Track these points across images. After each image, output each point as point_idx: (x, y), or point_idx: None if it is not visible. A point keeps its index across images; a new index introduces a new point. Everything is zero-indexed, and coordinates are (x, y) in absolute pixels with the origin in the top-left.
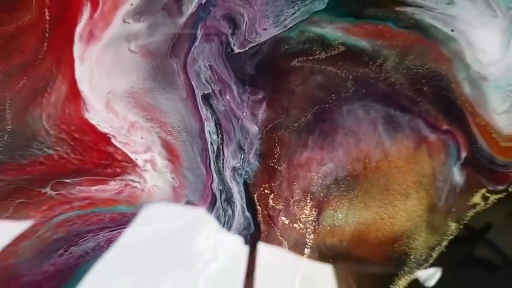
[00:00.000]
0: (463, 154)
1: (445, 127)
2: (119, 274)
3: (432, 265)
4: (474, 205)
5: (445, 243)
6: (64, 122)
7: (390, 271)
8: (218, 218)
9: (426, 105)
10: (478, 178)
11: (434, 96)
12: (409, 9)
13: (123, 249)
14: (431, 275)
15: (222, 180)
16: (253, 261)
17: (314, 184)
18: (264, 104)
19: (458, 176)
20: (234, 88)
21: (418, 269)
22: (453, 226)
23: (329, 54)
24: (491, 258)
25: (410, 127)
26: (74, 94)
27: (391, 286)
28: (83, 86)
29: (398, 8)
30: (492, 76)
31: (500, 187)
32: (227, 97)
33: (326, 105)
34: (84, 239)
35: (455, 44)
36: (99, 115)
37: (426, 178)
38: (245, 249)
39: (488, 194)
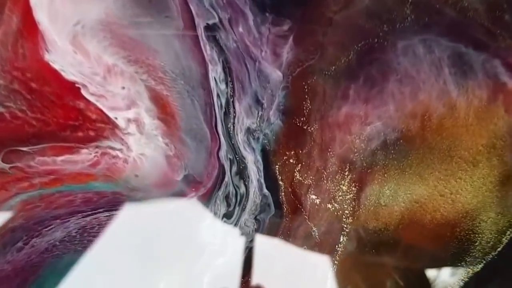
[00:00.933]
0: None
1: None
2: (106, 272)
3: (500, 255)
4: None
5: None
6: (17, 68)
7: (449, 262)
8: (227, 197)
9: (507, 40)
10: None
11: None
12: None
13: (108, 240)
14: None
15: (233, 147)
16: (272, 255)
17: (355, 150)
18: (290, 40)
19: None
20: (250, 16)
21: (484, 259)
22: None
23: None
24: None
25: (485, 70)
26: (29, 28)
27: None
28: (41, 15)
29: None
30: None
31: None
32: (240, 29)
33: (376, 40)
34: (50, 227)
35: None
36: (63, 56)
37: (501, 140)
38: (262, 239)
39: None
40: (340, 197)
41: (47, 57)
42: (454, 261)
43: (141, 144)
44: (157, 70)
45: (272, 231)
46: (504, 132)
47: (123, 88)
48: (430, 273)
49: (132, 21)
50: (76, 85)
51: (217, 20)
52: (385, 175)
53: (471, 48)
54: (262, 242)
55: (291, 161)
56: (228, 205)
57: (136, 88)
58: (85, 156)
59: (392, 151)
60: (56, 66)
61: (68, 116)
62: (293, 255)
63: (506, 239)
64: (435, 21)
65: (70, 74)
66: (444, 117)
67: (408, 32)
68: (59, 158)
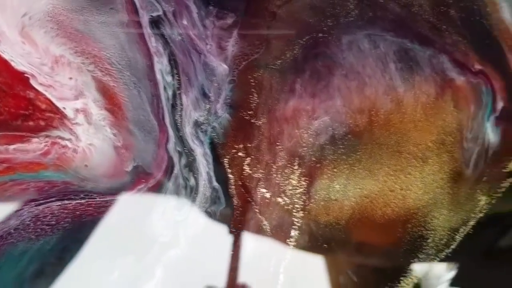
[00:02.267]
0: (500, 104)
1: (477, 66)
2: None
3: (454, 252)
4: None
5: (472, 223)
6: None
7: (401, 258)
8: (177, 189)
9: (453, 35)
10: None
11: (464, 24)
12: None
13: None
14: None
15: (181, 139)
16: (223, 246)
17: (304, 144)
18: (235, 33)
19: (492, 134)
20: (194, 9)
21: (437, 256)
22: (483, 201)
23: None
24: None
25: (432, 66)
26: None
27: (401, 278)
28: None
29: None
30: None
31: None
32: (184, 22)
33: (320, 34)
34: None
35: None
36: (12, 47)
37: (450, 136)
38: (213, 231)
39: None
40: (290, 191)
41: None
42: (407, 257)
43: (90, 134)
44: (103, 62)
45: (223, 224)
46: (454, 128)
47: (71, 78)
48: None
49: (78, 13)
50: (26, 75)
51: (161, 12)
52: (335, 170)
53: (417, 43)
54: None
55: (240, 154)
56: (178, 197)
57: (83, 79)
58: (36, 145)
59: (341, 146)
60: (6, 56)
61: (19, 106)
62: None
63: (459, 236)
64: (380, 16)
65: (19, 64)
66: (391, 112)
67: (352, 27)
68: (11, 147)
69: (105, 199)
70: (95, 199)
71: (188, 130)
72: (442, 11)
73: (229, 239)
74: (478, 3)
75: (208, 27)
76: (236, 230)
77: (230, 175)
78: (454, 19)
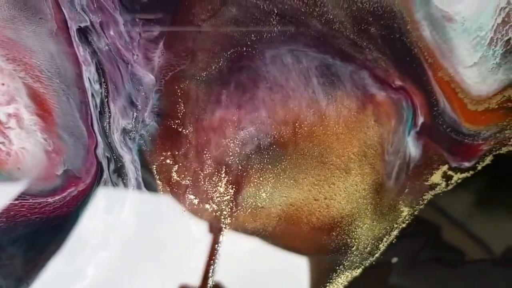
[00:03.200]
0: (420, 120)
1: (398, 82)
2: None
3: (378, 260)
4: (433, 186)
5: (395, 233)
6: None
7: (326, 265)
8: (106, 194)
9: (373, 52)
10: (438, 151)
11: (384, 41)
12: None
13: None
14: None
15: (109, 145)
16: (154, 248)
17: (230, 153)
18: (161, 44)
19: (413, 148)
20: (120, 20)
21: (362, 264)
22: (405, 212)
23: None
24: (451, 254)
25: (353, 81)
26: None
27: (327, 284)
28: None
29: None
30: (459, 16)
31: (467, 164)
32: (111, 32)
33: (244, 48)
34: None
35: None
36: None
37: (372, 149)
38: (142, 234)
39: (451, 173)
40: (218, 198)
41: None
42: (332, 264)
43: (22, 138)
44: (33, 69)
45: (153, 227)
46: (375, 142)
47: (3, 84)
48: (310, 276)
49: (9, 22)
50: None
51: (88, 23)
52: (261, 178)
53: (338, 59)
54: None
55: (168, 161)
56: (108, 201)
57: (15, 85)
58: None
59: (266, 156)
60: None
61: None
62: (170, 250)
63: (383, 245)
64: (302, 32)
65: None
66: (314, 125)
67: (275, 42)
68: None
69: (38, 201)
70: (28, 201)
71: (116, 137)
72: (362, 29)
73: (159, 241)
74: (398, 21)
75: (135, 38)
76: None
77: (158, 182)
78: (375, 36)
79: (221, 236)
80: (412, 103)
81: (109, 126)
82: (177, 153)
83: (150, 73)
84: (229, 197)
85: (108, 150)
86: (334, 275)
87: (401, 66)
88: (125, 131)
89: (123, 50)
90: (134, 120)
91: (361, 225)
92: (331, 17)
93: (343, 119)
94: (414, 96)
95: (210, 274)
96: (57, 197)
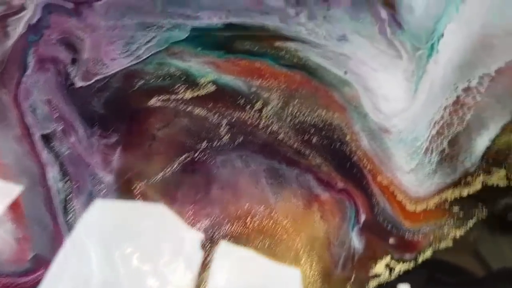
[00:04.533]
0: (363, 217)
1: (340, 185)
2: None
3: None
4: (377, 276)
5: None
6: None
7: None
8: (73, 276)
9: (316, 159)
10: (381, 244)
11: (326, 149)
12: (291, 45)
13: None
14: None
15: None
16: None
17: (187, 244)
18: (118, 150)
19: (357, 242)
20: (80, 128)
21: None
22: None
23: (196, 94)
24: None
25: (299, 182)
26: None
27: None
28: None
29: (278, 43)
30: (395, 128)
31: (408, 256)
32: (72, 139)
33: (196, 154)
34: None
35: (349, 89)
36: None
37: (319, 242)
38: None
39: (393, 263)
40: (176, 283)
41: None
42: None
43: None
44: (3, 166)
45: None
46: (322, 235)
47: None
48: None
49: None
50: None
51: (51, 130)
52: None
53: (284, 164)
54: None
55: (128, 250)
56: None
57: None
58: None
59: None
60: None
61: None
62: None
63: None
64: (249, 140)
65: None
66: (265, 220)
67: (225, 149)
68: None
69: (10, 280)
70: (2, 279)
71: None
72: (305, 139)
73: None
74: (338, 133)
75: (94, 144)
76: None
77: (121, 268)
78: (317, 145)
79: None
80: (354, 203)
81: (74, 219)
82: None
83: (109, 174)
84: (187, 281)
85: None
86: None
87: (343, 171)
88: None
89: (84, 154)
90: None
91: None
92: (276, 128)
93: (291, 215)
94: (356, 197)
95: None
96: (28, 278)
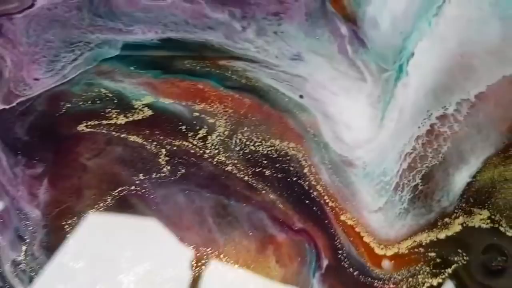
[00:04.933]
0: (325, 262)
1: (298, 224)
2: None
3: None
4: None
5: None
6: None
7: None
8: None
9: (270, 194)
10: None
11: (281, 183)
12: (238, 64)
13: None
14: None
15: (1, 275)
16: None
17: (124, 285)
18: (45, 182)
19: None
20: (3, 157)
21: None
22: None
23: (131, 119)
24: None
25: (251, 221)
26: None
27: None
28: None
29: (223, 62)
30: (360, 161)
31: None
32: None
33: (133, 187)
34: None
35: (307, 115)
36: None
37: None
38: None
39: None
40: None
41: None
42: None
43: None
44: None
45: None
46: (278, 283)
47: None
48: None
49: None
50: None
51: None
52: None
53: (234, 200)
54: None
55: None
56: None
57: None
58: None
59: None
60: None
61: None
62: None
63: None
64: (193, 173)
65: None
66: (212, 264)
67: (166, 182)
68: None
69: None
70: None
71: (7, 268)
72: (257, 171)
73: None
74: (294, 165)
75: (18, 175)
76: None
77: None
78: (271, 179)
79: None
80: (315, 246)
81: (0, 257)
82: (69, 286)
83: (36, 208)
84: None
85: (0, 279)
86: None
87: (301, 208)
88: (15, 263)
89: (8, 185)
90: (23, 253)
91: None
92: (223, 159)
93: (242, 259)
94: (317, 238)
95: None
96: None
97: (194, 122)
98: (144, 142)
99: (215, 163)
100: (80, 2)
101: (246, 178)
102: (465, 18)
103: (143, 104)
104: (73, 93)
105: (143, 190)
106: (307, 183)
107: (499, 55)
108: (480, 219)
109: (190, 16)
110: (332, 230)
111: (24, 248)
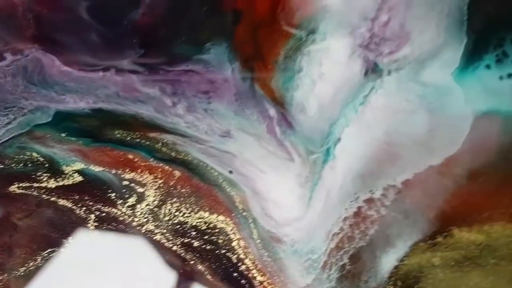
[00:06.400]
0: None
1: None
2: None
3: None
4: None
5: None
6: None
7: None
8: None
9: (198, 265)
10: None
11: (210, 255)
12: (168, 137)
13: None
14: None
15: None
16: None
17: None
18: None
19: None
20: None
21: None
22: None
23: (61, 183)
24: None
25: None
26: None
27: None
28: None
29: (154, 134)
30: (288, 238)
31: None
32: None
33: (62, 249)
34: None
35: (236, 190)
36: None
37: None
38: None
39: None
40: None
41: None
42: None
43: None
44: None
45: None
46: None
47: None
48: None
49: None
50: None
51: None
52: None
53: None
54: None
55: None
56: None
57: None
58: None
59: None
60: None
61: None
62: None
63: None
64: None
65: None
66: None
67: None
68: None
69: None
70: None
71: None
72: (185, 242)
73: None
74: (223, 238)
75: None
76: None
77: None
78: (199, 250)
79: None
80: None
81: None
82: None
83: None
84: None
85: None
86: None
87: (229, 281)
88: None
89: None
90: None
91: None
92: (152, 227)
93: None
94: None
95: None
96: None
97: (124, 190)
98: (73, 207)
99: (143, 231)
100: (15, 69)
101: (174, 248)
102: (392, 109)
103: (73, 170)
104: (5, 155)
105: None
106: (235, 256)
107: (425, 145)
108: None
109: (121, 89)
110: None
111: None
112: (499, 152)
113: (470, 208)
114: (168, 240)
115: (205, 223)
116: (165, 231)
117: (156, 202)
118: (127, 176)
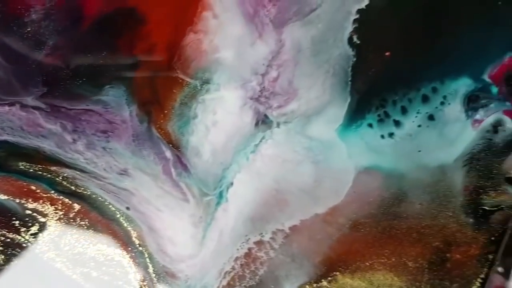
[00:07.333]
0: None
1: None
2: None
3: None
4: None
5: None
6: None
7: None
8: None
9: None
10: None
11: (107, 286)
12: (69, 172)
13: None
14: None
15: None
16: None
17: None
18: None
19: None
20: None
21: None
22: None
23: None
24: None
25: None
26: None
27: None
28: None
29: (55, 168)
30: (182, 274)
31: None
32: None
33: None
34: None
35: (133, 226)
36: None
37: None
38: None
39: None
40: None
41: None
42: None
43: None
44: None
45: None
46: None
47: None
48: None
49: None
50: None
51: None
52: None
53: None
54: None
55: None
56: None
57: None
58: None
59: None
60: None
61: None
62: None
63: None
64: (25, 265)
65: None
66: None
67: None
68: None
69: None
70: None
71: None
72: (85, 272)
73: None
74: (120, 270)
75: None
76: None
77: None
78: (97, 280)
79: None
80: None
81: None
82: None
83: None
84: None
85: None
86: None
87: None
88: None
89: None
90: None
91: None
92: (53, 256)
93: None
94: None
95: None
96: None
97: (27, 219)
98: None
99: (45, 259)
100: None
101: (74, 276)
102: (281, 158)
103: None
104: None
105: None
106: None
107: (311, 194)
108: None
109: (25, 124)
110: None
111: None
112: (380, 206)
113: (353, 256)
114: (68, 268)
115: (103, 255)
116: (65, 259)
117: (57, 232)
118: (30, 205)
